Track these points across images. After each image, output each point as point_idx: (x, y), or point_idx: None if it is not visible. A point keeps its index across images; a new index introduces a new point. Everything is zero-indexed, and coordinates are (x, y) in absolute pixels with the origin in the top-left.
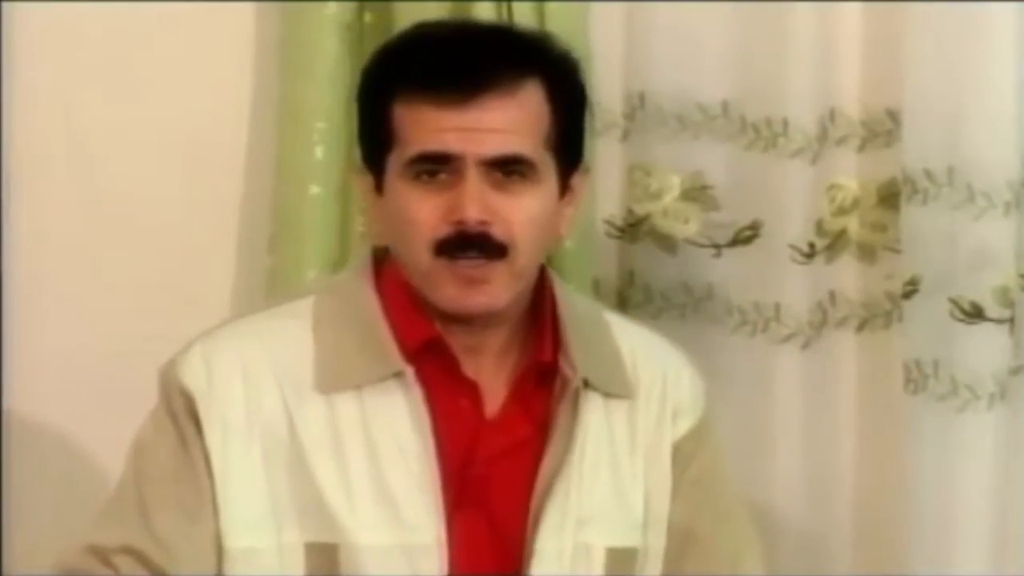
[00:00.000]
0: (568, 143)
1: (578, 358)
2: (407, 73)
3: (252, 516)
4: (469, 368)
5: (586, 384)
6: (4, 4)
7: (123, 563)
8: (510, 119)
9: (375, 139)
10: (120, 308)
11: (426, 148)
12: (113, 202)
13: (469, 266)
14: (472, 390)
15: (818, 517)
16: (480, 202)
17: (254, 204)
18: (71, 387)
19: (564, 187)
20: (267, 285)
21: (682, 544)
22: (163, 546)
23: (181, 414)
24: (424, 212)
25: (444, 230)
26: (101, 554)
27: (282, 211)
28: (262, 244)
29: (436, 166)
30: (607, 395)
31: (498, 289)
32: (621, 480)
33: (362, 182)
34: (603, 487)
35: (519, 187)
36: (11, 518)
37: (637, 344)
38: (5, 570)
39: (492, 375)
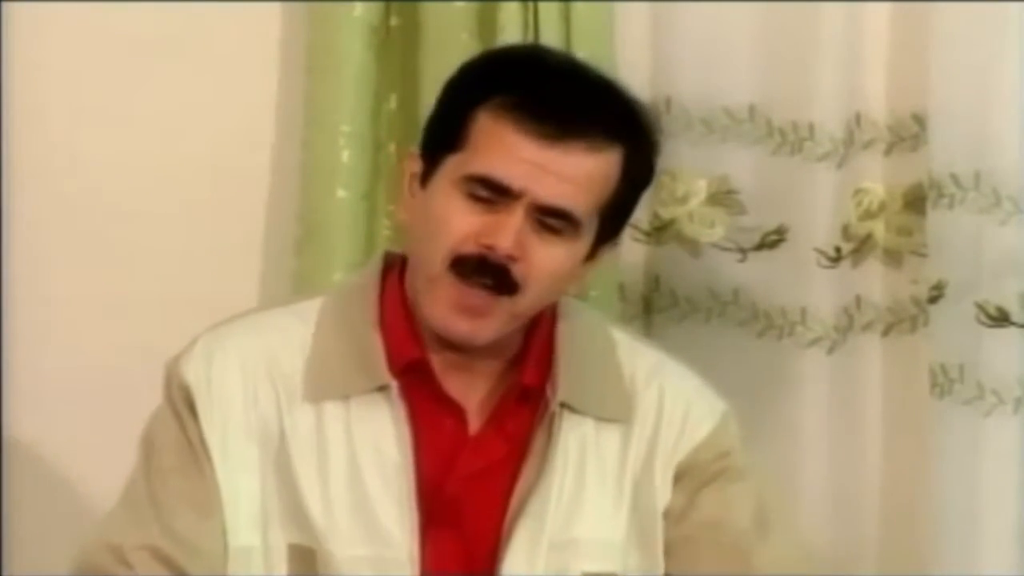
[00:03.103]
0: (618, 215)
1: (563, 381)
2: (506, 88)
3: (247, 513)
4: (455, 387)
5: (570, 407)
6: (4, 4)
7: (139, 561)
8: (584, 174)
9: (445, 135)
10: (145, 312)
11: (492, 173)
12: (136, 206)
13: (475, 295)
14: (456, 410)
15: (844, 521)
16: (518, 239)
17: (280, 207)
18: (84, 392)
19: (592, 253)
20: (293, 288)
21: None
22: (179, 541)
23: (182, 408)
24: (459, 225)
25: (469, 248)
26: (117, 552)
27: (308, 215)
28: (288, 247)
29: (492, 193)
30: (599, 419)
31: (490, 325)
32: (605, 504)
33: (411, 165)
34: (586, 511)
35: (554, 238)
36: (11, 519)
37: (639, 368)
38: (5, 571)
39: (479, 395)
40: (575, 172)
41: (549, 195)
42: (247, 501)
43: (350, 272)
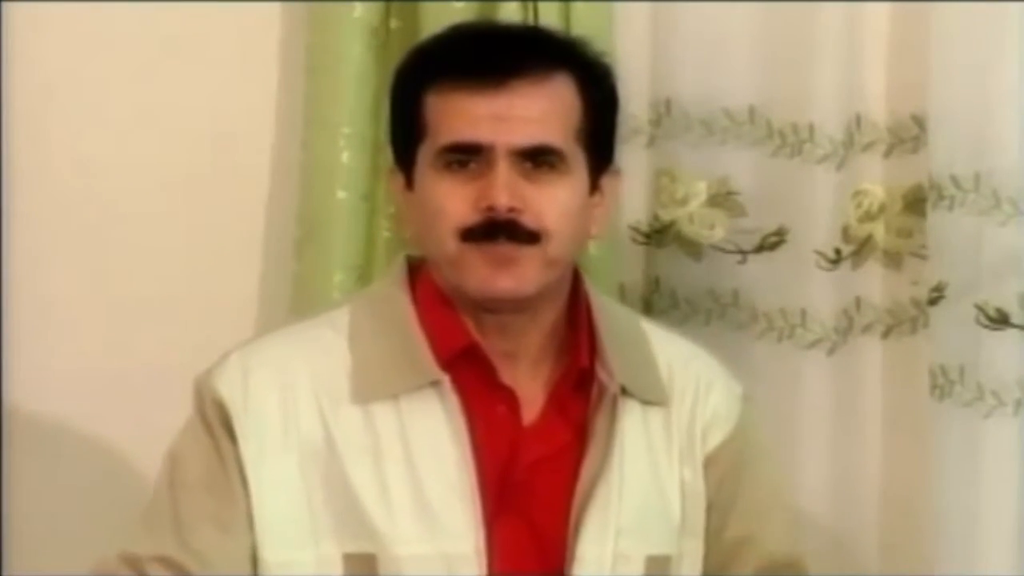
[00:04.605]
0: (599, 141)
1: (615, 365)
2: (440, 63)
3: (289, 527)
4: (505, 375)
5: (623, 391)
6: (4, 4)
7: (152, 570)
8: (541, 108)
9: (407, 132)
10: (145, 312)
11: (457, 138)
12: (136, 206)
13: (500, 249)
14: (509, 397)
15: (845, 523)
16: (511, 190)
17: (280, 209)
18: (84, 393)
19: (594, 185)
20: (293, 290)
21: (738, 549)
22: (197, 557)
23: (215, 425)
24: (453, 201)
25: (473, 218)
26: (134, 562)
27: (308, 216)
28: (288, 249)
29: (467, 156)
30: (645, 402)
31: (528, 273)
32: (660, 487)
33: (394, 182)
34: (642, 495)
35: (549, 178)
36: (11, 519)
37: (673, 353)
38: (5, 571)
39: (529, 382)
40: (531, 107)
41: (518, 137)
42: (287, 515)
43: (350, 274)
